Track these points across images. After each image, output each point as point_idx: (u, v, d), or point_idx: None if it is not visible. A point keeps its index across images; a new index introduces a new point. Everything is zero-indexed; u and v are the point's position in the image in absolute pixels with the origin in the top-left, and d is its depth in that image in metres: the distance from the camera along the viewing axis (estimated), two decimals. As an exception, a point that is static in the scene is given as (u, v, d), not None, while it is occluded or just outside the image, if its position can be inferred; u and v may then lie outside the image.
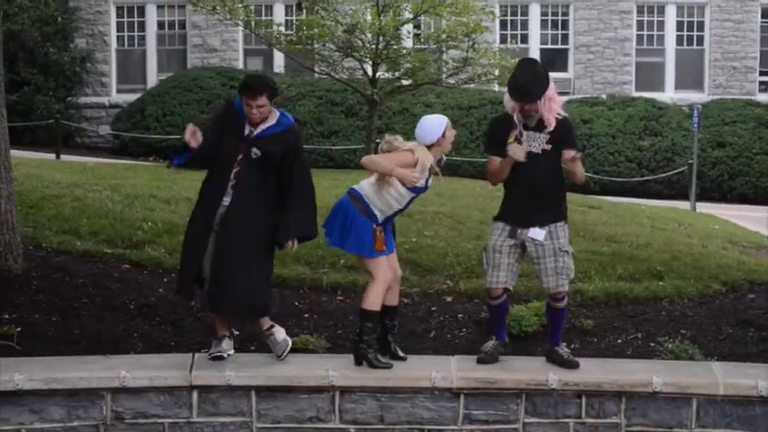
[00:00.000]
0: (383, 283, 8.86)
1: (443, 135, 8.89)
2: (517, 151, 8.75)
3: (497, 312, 9.19)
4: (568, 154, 8.87)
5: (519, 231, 8.93)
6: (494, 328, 9.25)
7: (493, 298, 9.08)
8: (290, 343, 9.12)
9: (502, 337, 9.21)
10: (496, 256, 8.94)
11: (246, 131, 8.87)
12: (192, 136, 8.80)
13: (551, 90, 8.86)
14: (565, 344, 9.28)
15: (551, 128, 8.86)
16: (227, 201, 8.82)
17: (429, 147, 8.88)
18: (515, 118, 8.90)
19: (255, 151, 8.81)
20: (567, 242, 9.01)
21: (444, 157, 9.07)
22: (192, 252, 8.90)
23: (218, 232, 8.80)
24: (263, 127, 8.87)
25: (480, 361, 9.05)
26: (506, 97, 8.99)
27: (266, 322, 9.11)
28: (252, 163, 8.81)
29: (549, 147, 8.87)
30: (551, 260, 8.91)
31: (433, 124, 8.95)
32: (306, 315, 10.07)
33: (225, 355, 8.97)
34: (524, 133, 8.87)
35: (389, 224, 9.04)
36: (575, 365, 9.05)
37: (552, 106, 8.86)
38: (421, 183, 8.86)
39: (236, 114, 8.93)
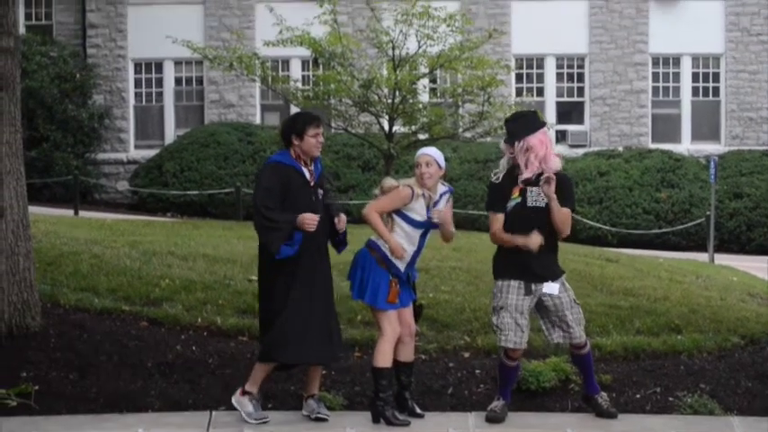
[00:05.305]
0: (392, 338, 8.88)
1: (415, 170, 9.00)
2: (534, 244, 8.75)
3: (513, 373, 9.20)
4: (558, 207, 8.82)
5: (534, 288, 8.92)
6: (503, 388, 9.19)
7: (513, 359, 9.07)
8: None
9: (508, 398, 9.18)
10: (517, 316, 8.89)
11: (307, 175, 8.88)
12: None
13: (536, 142, 8.78)
14: (605, 393, 9.33)
15: (523, 177, 8.78)
16: None
17: None
18: (505, 162, 8.92)
19: (320, 192, 8.91)
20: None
21: (444, 194, 9.06)
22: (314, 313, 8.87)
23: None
24: (315, 164, 8.95)
25: (490, 420, 9.01)
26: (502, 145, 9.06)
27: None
28: (321, 203, 8.89)
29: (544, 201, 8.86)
30: (570, 312, 8.95)
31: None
32: (323, 372, 10.03)
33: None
34: (528, 188, 8.84)
35: (412, 274, 9.05)
36: (613, 416, 9.12)
37: (530, 157, 8.76)
38: (419, 217, 8.87)
39: (289, 167, 8.84)
